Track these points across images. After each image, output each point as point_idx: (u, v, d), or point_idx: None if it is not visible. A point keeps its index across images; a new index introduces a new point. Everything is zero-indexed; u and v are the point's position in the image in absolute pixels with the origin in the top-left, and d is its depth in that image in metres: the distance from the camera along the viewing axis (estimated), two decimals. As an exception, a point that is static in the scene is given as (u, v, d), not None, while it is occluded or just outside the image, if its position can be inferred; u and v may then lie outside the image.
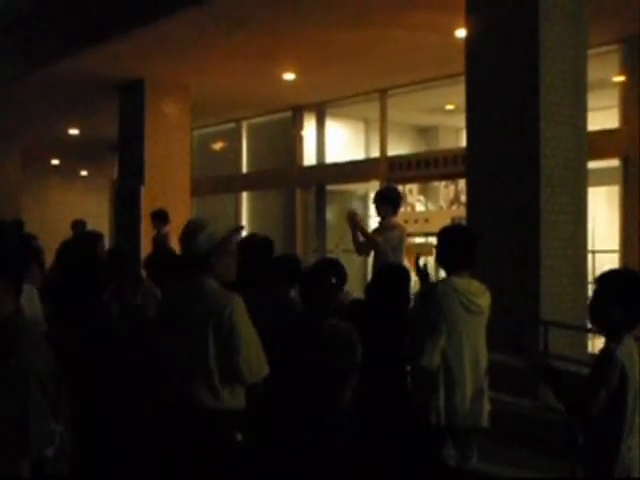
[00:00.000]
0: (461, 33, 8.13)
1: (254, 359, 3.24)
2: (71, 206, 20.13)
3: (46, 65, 11.40)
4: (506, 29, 6.71)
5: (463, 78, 7.35)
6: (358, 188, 13.88)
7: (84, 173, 22.23)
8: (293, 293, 4.49)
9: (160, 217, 10.38)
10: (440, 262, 4.37)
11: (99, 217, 19.52)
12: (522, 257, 6.57)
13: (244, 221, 15.21)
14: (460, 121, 10.92)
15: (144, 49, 10.07)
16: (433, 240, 11.14)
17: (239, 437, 3.24)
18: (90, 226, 14.46)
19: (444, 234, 4.42)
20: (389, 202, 6.75)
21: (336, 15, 8.55)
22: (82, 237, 5.93)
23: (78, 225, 13.64)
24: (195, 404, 3.20)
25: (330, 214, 14.04)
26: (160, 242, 10.34)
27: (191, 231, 3.42)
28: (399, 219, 6.95)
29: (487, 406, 4.21)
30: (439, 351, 4.04)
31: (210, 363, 3.19)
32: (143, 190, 11.55)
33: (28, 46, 12.04)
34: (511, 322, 5.96)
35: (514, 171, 6.64)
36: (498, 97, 6.74)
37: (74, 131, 16.45)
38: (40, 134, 16.65)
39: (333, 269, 4.08)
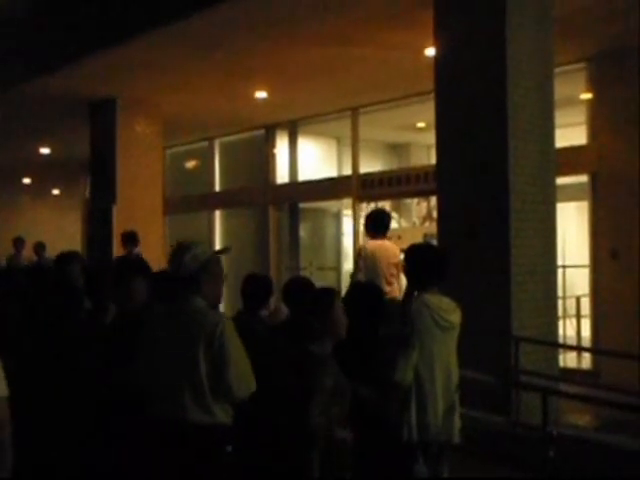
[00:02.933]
0: (431, 51, 8.22)
1: (243, 376, 3.31)
2: (43, 225, 19.97)
3: (16, 84, 11.35)
4: (474, 47, 6.80)
5: (433, 96, 7.44)
6: (331, 205, 13.92)
7: (56, 192, 22.09)
8: (264, 312, 4.50)
9: (130, 239, 10.33)
10: (409, 279, 4.39)
11: (72, 236, 19.43)
12: (493, 273, 6.63)
13: (217, 239, 15.18)
14: (431, 138, 10.93)
15: (115, 68, 10.06)
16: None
17: (229, 449, 3.29)
18: (63, 245, 14.40)
19: (412, 252, 4.45)
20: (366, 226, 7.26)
21: (308, 34, 8.61)
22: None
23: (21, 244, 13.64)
24: (186, 419, 3.25)
25: (303, 232, 14.07)
26: None
27: (178, 252, 3.48)
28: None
29: (458, 422, 4.24)
30: (412, 367, 4.07)
31: (201, 380, 3.26)
32: (115, 209, 11.50)
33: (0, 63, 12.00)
34: (482, 338, 6.00)
35: (483, 187, 6.71)
36: (467, 114, 6.82)
37: (45, 150, 16.36)
38: (11, 153, 16.53)
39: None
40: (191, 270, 3.41)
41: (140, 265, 4.36)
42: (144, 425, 3.36)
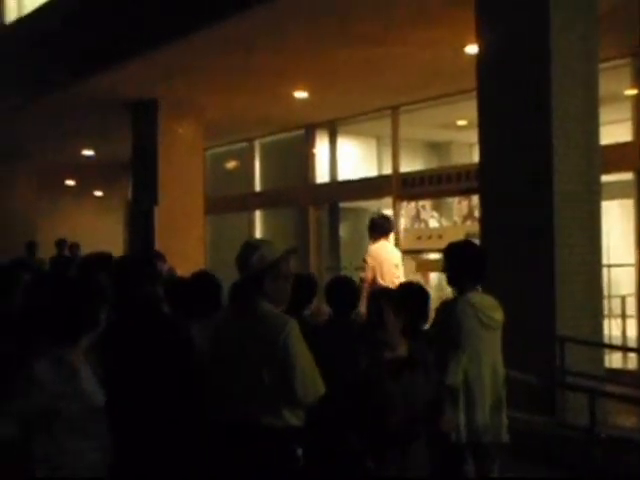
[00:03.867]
0: (472, 49, 8.15)
1: (309, 381, 3.22)
2: (85, 226, 20.21)
3: (61, 87, 11.51)
4: (517, 44, 6.72)
5: (475, 94, 7.36)
6: (371, 205, 13.88)
7: (98, 193, 22.36)
8: (307, 312, 4.50)
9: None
10: (451, 279, 4.34)
11: (113, 237, 19.63)
12: (537, 273, 6.54)
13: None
14: (472, 136, 10.89)
15: (158, 70, 10.15)
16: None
17: (300, 452, 3.25)
18: (104, 246, 14.55)
19: (453, 250, 4.40)
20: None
21: (348, 33, 8.59)
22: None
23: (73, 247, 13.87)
24: (255, 423, 3.20)
25: (343, 231, 14.05)
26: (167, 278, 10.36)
27: (244, 253, 3.40)
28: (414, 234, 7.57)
29: (506, 420, 4.20)
30: (462, 368, 4.03)
31: (267, 384, 3.18)
32: (157, 210, 11.60)
33: (43, 68, 12.16)
34: (526, 339, 5.94)
35: (527, 186, 6.63)
36: (510, 112, 6.74)
37: (88, 152, 16.57)
38: (55, 155, 16.78)
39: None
40: (256, 271, 3.36)
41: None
42: (214, 429, 3.34)
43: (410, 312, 4.02)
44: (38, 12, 12.64)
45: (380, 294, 4.08)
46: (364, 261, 9.30)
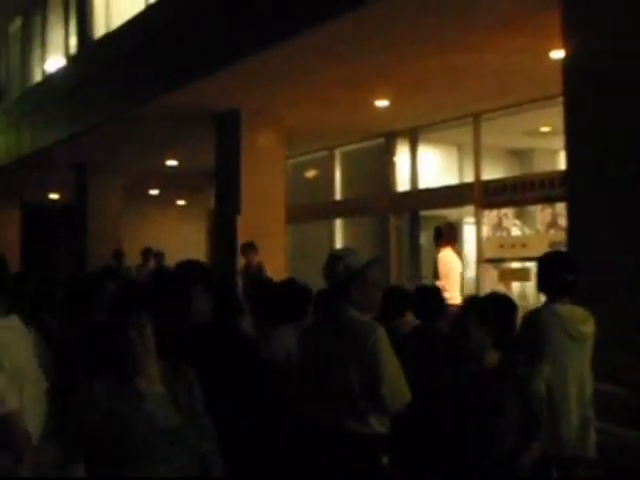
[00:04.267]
0: (556, 54, 8.01)
1: (396, 387, 3.24)
2: (168, 235, 20.65)
3: (147, 101, 11.80)
4: (608, 47, 6.55)
5: (559, 100, 7.23)
6: (452, 213, 13.76)
7: (181, 202, 22.80)
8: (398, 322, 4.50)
9: (252, 247, 10.70)
10: (541, 288, 4.30)
11: (196, 245, 20.00)
12: (628, 282, 6.33)
13: (338, 247, 15.27)
14: (556, 143, 10.74)
15: (241, 81, 10.31)
16: (530, 265, 11.01)
17: (385, 460, 3.27)
18: (187, 255, 14.85)
19: (545, 260, 4.36)
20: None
21: (429, 42, 8.57)
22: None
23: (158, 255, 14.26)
24: (341, 429, 3.23)
25: (424, 240, 13.95)
26: (254, 272, 10.58)
27: (330, 262, 3.46)
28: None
29: (594, 436, 4.10)
30: (544, 379, 3.97)
31: (354, 391, 3.22)
32: (239, 219, 11.75)
33: (130, 84, 12.50)
34: (617, 349, 5.78)
35: (620, 195, 6.44)
36: (599, 117, 6.58)
37: (172, 162, 16.91)
38: (140, 166, 17.18)
39: None
40: (342, 279, 3.38)
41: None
42: (300, 436, 3.37)
43: (497, 323, 3.98)
44: (125, 27, 13.01)
45: (467, 304, 4.05)
46: (435, 274, 9.50)
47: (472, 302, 4.21)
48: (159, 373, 2.86)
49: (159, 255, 14.64)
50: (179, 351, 3.04)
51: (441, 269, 9.74)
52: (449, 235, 9.93)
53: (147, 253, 14.74)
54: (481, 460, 3.42)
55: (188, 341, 3.37)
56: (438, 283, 9.47)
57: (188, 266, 3.77)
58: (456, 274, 9.89)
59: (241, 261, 11.32)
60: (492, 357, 3.69)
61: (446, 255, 9.90)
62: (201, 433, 2.87)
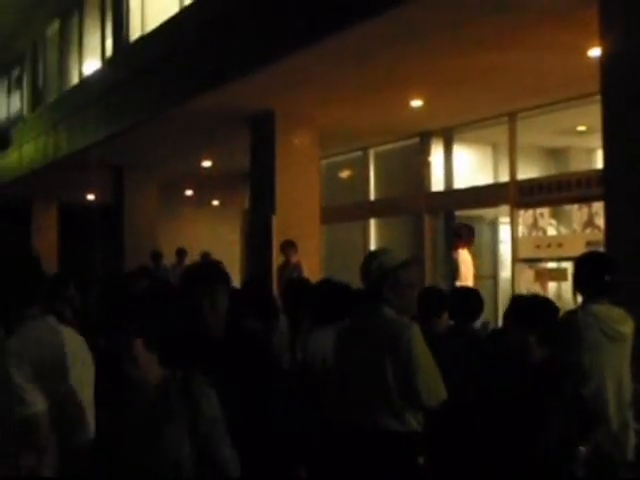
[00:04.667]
0: (594, 52, 7.93)
1: (432, 383, 3.27)
2: (203, 235, 20.79)
3: (183, 102, 11.90)
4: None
5: (595, 98, 7.15)
6: (487, 213, 13.69)
7: (215, 203, 22.93)
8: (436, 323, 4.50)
9: (292, 246, 10.77)
10: (578, 289, 4.26)
11: (230, 245, 20.10)
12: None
13: (372, 248, 15.25)
14: (593, 142, 10.64)
15: (274, 83, 10.36)
16: (567, 265, 10.91)
17: (421, 460, 3.28)
18: (222, 255, 14.97)
19: (583, 260, 4.32)
20: None
21: (463, 41, 8.53)
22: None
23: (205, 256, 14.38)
24: (378, 428, 3.25)
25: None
26: (292, 272, 10.63)
27: (365, 262, 3.49)
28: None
29: (633, 438, 4.06)
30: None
31: (390, 388, 3.25)
32: (274, 219, 11.79)
33: (166, 85, 12.61)
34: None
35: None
36: (638, 118, 6.50)
37: (207, 163, 17.03)
38: (176, 167, 17.33)
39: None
40: (375, 278, 3.40)
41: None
42: (337, 435, 3.39)
43: (542, 322, 3.96)
44: (160, 30, 13.13)
45: (513, 304, 4.04)
46: (455, 275, 9.63)
47: (518, 301, 4.19)
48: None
49: (206, 255, 14.83)
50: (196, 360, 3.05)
51: (462, 270, 9.81)
52: (467, 236, 10.03)
53: (181, 253, 14.87)
54: (524, 456, 3.42)
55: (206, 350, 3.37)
56: (458, 284, 9.53)
57: (210, 267, 3.79)
58: (472, 276, 10.04)
59: (279, 259, 11.35)
60: (538, 355, 3.70)
61: (465, 254, 9.99)
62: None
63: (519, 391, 3.55)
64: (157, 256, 14.70)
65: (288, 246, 11.00)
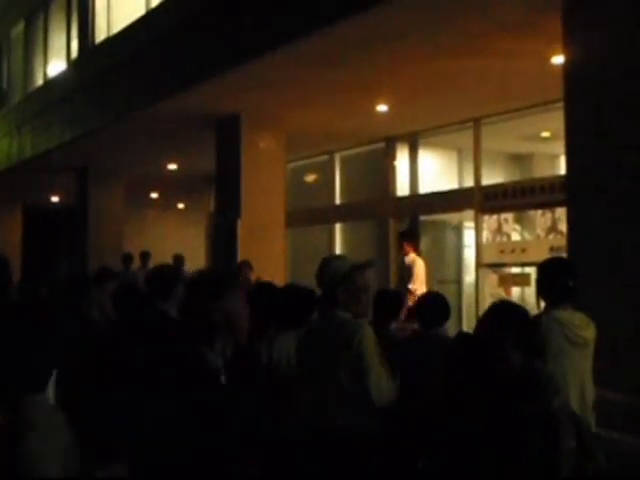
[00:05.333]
0: (557, 59, 8.03)
1: (383, 383, 3.32)
2: (168, 238, 20.68)
3: (148, 105, 11.82)
4: (608, 54, 6.57)
5: (559, 104, 7.25)
6: (452, 218, 13.78)
7: (181, 206, 22.82)
8: (394, 326, 4.51)
9: (245, 266, 10.51)
10: (541, 294, 4.30)
11: (195, 249, 20.01)
12: (633, 286, 6.32)
13: (337, 252, 15.27)
14: (556, 148, 10.76)
15: (241, 85, 10.33)
16: (530, 270, 11.02)
17: (376, 459, 3.31)
18: (187, 257, 14.91)
19: (546, 266, 4.36)
20: None
21: (428, 47, 8.59)
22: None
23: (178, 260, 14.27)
24: (334, 428, 3.29)
25: (424, 244, 13.95)
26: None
27: (320, 267, 3.56)
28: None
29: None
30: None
31: (344, 388, 3.30)
32: (239, 222, 11.76)
33: (131, 88, 12.53)
34: (620, 355, 5.78)
35: (620, 200, 6.44)
36: (600, 124, 6.59)
37: (173, 166, 16.94)
38: (141, 169, 17.21)
39: None
40: (329, 284, 3.45)
41: None
42: (294, 436, 3.42)
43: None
44: (126, 32, 13.04)
45: (491, 309, 4.05)
46: (407, 279, 9.72)
47: (495, 307, 4.18)
48: None
49: (178, 257, 14.80)
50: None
51: (417, 273, 9.96)
52: (412, 239, 10.28)
53: (145, 256, 14.81)
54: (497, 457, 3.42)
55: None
56: (412, 287, 9.65)
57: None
58: (425, 280, 10.32)
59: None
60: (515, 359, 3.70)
61: (418, 260, 10.14)
62: None
63: (495, 400, 3.55)
64: (128, 259, 14.62)
65: (243, 266, 10.79)
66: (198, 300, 3.13)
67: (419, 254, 10.37)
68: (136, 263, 14.97)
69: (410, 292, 9.71)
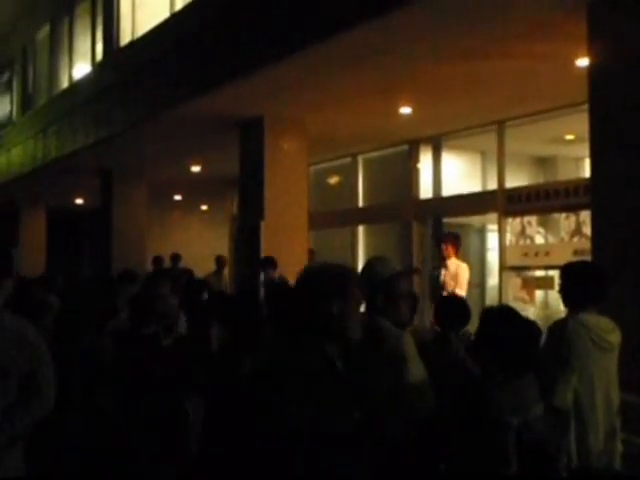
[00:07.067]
0: (582, 62, 7.99)
1: (422, 390, 3.26)
2: (191, 240, 20.78)
3: (172, 107, 11.88)
4: (633, 56, 6.52)
5: (584, 107, 7.21)
6: (475, 220, 13.73)
7: (204, 208, 22.92)
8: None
9: (270, 263, 10.62)
10: (565, 299, 4.27)
11: (218, 251, 20.08)
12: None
13: (360, 254, 15.27)
14: (580, 151, 10.71)
15: (265, 88, 10.36)
16: (554, 273, 10.95)
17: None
18: (210, 259, 14.97)
19: (569, 270, 4.32)
20: None
21: (453, 49, 8.56)
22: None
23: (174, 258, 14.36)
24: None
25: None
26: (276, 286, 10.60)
27: (362, 269, 3.46)
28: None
29: (620, 447, 4.08)
30: (571, 390, 3.94)
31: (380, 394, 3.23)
32: (263, 225, 11.79)
33: (155, 90, 12.59)
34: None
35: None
36: (625, 127, 6.55)
37: (196, 168, 17.01)
38: (165, 171, 17.30)
39: None
40: (367, 288, 3.34)
41: None
42: None
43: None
44: (150, 35, 13.12)
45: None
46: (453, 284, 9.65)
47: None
48: None
49: (175, 256, 14.92)
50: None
51: (460, 280, 9.85)
52: (455, 243, 10.14)
53: (175, 257, 14.91)
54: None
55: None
56: (460, 292, 9.55)
57: None
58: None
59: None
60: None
61: (461, 264, 10.04)
62: None
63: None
64: (158, 261, 14.76)
65: (266, 263, 10.84)
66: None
67: (459, 257, 10.22)
68: (166, 265, 15.07)
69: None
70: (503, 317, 3.60)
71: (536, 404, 3.41)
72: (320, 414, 2.36)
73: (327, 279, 2.65)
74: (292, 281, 4.69)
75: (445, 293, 9.59)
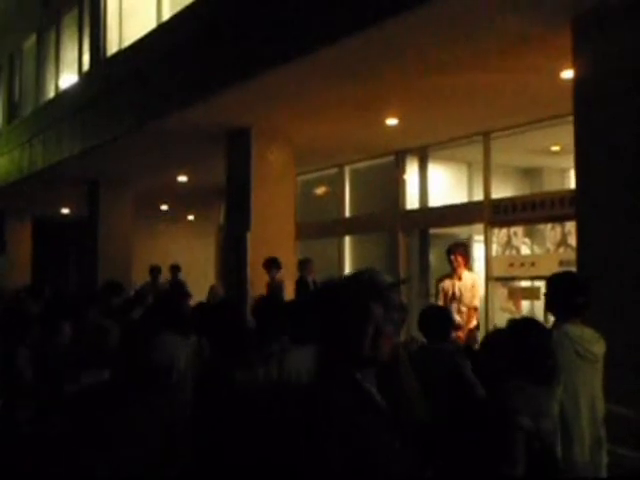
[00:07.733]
0: (567, 74, 8.04)
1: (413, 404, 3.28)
2: (178, 250, 20.71)
3: (159, 117, 11.88)
4: (617, 68, 6.58)
5: (569, 119, 7.26)
6: (462, 231, 13.77)
7: (191, 218, 22.88)
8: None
9: (274, 264, 10.75)
10: (550, 309, 4.30)
11: (205, 260, 20.06)
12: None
13: (347, 265, 15.28)
14: (566, 162, 10.77)
15: (250, 100, 10.38)
16: (539, 284, 10.99)
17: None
18: (197, 269, 14.97)
19: (554, 280, 4.35)
20: None
21: (439, 61, 8.60)
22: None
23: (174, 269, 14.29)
24: None
25: (433, 258, 13.95)
26: (273, 289, 10.66)
27: (359, 281, 3.43)
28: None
29: (605, 458, 4.09)
30: (557, 402, 3.95)
31: None
32: (249, 235, 11.77)
33: (142, 100, 12.59)
34: (629, 371, 5.77)
35: (630, 214, 6.45)
36: (609, 139, 6.59)
37: (183, 178, 16.99)
38: (152, 181, 17.27)
39: None
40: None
41: None
42: None
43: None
44: (137, 45, 13.12)
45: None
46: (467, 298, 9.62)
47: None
48: None
49: (175, 268, 14.81)
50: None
51: (475, 292, 9.78)
52: (465, 254, 9.98)
53: (154, 270, 14.79)
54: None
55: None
56: (476, 304, 9.61)
57: None
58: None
59: (265, 278, 11.28)
60: None
61: (475, 276, 10.04)
62: None
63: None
64: (156, 271, 14.50)
65: (269, 264, 10.96)
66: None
67: (468, 267, 10.11)
68: (141, 275, 14.94)
69: (475, 309, 9.68)
70: (531, 327, 3.73)
71: (548, 416, 3.44)
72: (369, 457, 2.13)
73: (363, 292, 2.43)
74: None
75: (457, 304, 9.52)
